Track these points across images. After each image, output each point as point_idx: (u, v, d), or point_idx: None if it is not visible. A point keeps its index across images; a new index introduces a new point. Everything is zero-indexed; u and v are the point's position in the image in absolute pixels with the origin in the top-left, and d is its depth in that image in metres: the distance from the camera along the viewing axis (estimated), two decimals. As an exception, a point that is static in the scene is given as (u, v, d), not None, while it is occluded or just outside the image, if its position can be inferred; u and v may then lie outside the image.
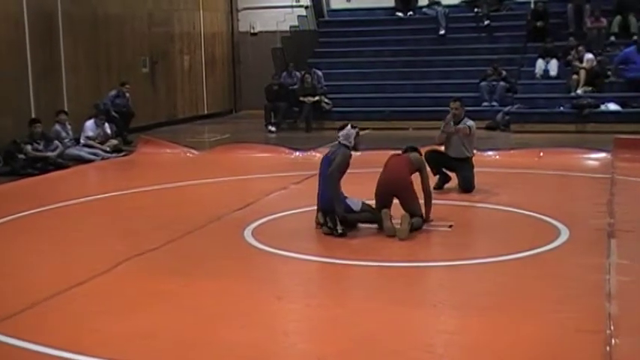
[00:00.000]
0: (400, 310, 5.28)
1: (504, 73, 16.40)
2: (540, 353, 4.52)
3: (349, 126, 7.49)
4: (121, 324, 5.06)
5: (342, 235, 7.15)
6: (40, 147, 11.89)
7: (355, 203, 7.30)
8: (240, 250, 6.91)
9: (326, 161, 7.40)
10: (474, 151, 9.57)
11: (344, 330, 4.94)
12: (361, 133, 7.72)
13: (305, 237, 7.33)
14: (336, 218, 7.18)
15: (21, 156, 11.71)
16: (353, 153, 7.47)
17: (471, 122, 9.38)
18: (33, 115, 12.99)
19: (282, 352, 4.71)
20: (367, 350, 4.59)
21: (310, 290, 5.89)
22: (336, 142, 7.52)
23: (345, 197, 7.33)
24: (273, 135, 15.87)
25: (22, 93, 13.30)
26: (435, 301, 5.53)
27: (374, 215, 7.31)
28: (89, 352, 4.53)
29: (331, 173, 7.20)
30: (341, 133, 7.45)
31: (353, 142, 7.46)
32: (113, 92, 14.86)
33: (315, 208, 7.55)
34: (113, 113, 14.40)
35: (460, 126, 9.20)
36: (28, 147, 11.72)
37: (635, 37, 16.38)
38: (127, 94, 15.01)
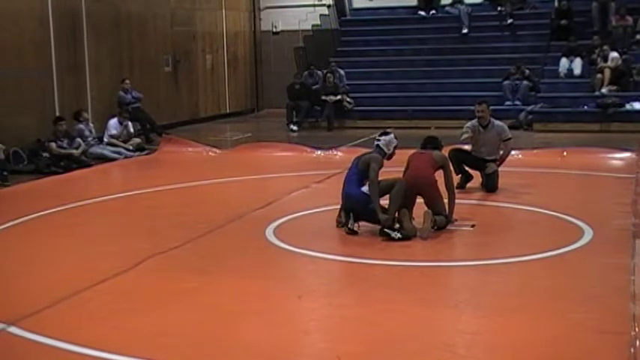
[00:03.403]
0: (422, 309, 5.26)
1: (527, 71, 16.28)
2: (563, 354, 4.48)
3: (393, 135, 7.50)
4: (142, 321, 5.09)
5: (351, 232, 7.14)
6: (64, 145, 11.98)
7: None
8: (262, 249, 6.91)
9: (356, 162, 7.38)
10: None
11: (365, 329, 4.93)
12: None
13: (327, 236, 7.32)
14: (351, 214, 7.17)
15: (45, 154, 11.80)
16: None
17: (499, 125, 9.34)
18: (57, 114, 13.10)
19: (302, 351, 4.71)
20: (388, 350, 4.57)
21: (331, 289, 5.88)
22: (374, 146, 7.48)
23: (361, 187, 7.24)
24: (295, 134, 15.88)
25: (46, 92, 13.41)
26: (456, 301, 5.51)
27: (399, 185, 7.15)
28: (111, 349, 4.55)
29: (372, 182, 7.13)
30: (383, 138, 7.43)
31: (391, 151, 7.45)
32: (121, 93, 14.62)
33: (337, 207, 7.54)
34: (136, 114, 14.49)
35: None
36: (53, 145, 11.81)
37: (661, 36, 16.25)
38: (136, 91, 14.80)
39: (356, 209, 7.24)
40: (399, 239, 6.94)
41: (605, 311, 5.10)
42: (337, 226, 7.45)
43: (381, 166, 7.30)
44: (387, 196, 7.23)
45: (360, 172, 7.26)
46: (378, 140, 7.45)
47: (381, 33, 19.09)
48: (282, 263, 6.61)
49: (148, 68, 16.43)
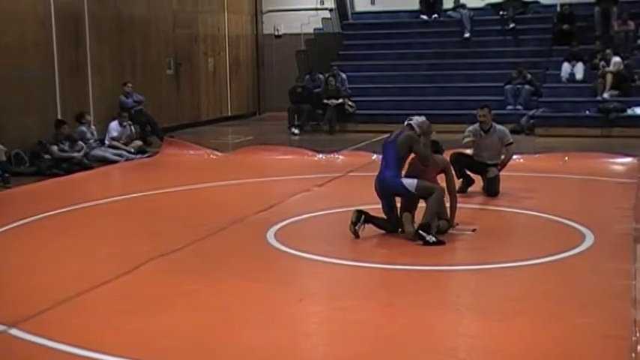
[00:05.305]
0: (423, 313, 5.26)
1: (529, 76, 16.29)
2: (564, 359, 4.48)
3: (424, 117, 7.56)
4: (143, 323, 5.09)
5: (354, 224, 7.10)
6: (66, 147, 11.99)
7: (410, 184, 7.17)
8: (263, 252, 6.91)
9: (389, 145, 7.37)
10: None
11: (366, 332, 4.93)
12: (384, 136, 7.70)
13: (328, 239, 7.33)
14: (362, 216, 7.14)
15: (46, 156, 11.81)
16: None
17: (501, 129, 9.35)
18: (59, 116, 13.12)
19: (303, 354, 4.70)
20: (389, 353, 4.57)
21: (333, 292, 5.87)
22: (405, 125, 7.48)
23: (401, 178, 7.23)
24: (297, 137, 15.89)
25: (48, 93, 13.42)
26: (458, 304, 5.51)
27: (437, 193, 7.13)
28: (112, 352, 4.55)
29: (425, 157, 7.26)
30: (415, 118, 7.46)
31: (422, 129, 7.41)
32: (122, 97, 14.60)
33: (338, 210, 7.53)
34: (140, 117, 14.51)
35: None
36: (54, 147, 11.82)
37: (662, 41, 16.26)
38: (137, 94, 14.82)
39: (389, 197, 7.24)
40: (434, 243, 6.89)
41: (606, 316, 5.10)
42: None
43: (414, 138, 7.29)
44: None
45: (401, 157, 7.24)
46: (410, 119, 7.45)
47: (383, 37, 19.11)
48: (283, 266, 6.61)
49: (150, 71, 16.45)
